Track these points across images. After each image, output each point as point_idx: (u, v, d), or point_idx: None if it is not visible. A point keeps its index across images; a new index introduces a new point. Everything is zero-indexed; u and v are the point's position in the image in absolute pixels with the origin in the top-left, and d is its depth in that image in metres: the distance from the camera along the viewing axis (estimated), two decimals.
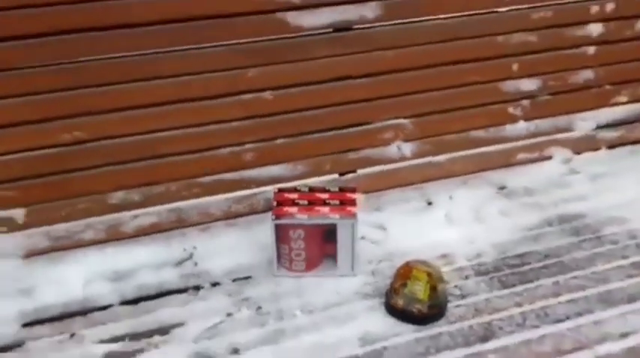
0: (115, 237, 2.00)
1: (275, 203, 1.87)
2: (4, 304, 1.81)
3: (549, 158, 2.41)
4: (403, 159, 2.25)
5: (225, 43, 1.93)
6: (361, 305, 1.82)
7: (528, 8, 2.19)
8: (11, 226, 1.92)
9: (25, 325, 1.78)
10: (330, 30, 2.02)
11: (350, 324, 1.75)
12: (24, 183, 1.92)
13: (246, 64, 1.96)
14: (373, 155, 2.22)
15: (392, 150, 2.23)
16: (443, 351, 1.67)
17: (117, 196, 1.99)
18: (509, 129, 2.35)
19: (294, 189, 1.91)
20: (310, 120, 2.10)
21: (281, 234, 1.85)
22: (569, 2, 2.21)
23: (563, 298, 1.83)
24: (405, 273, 1.78)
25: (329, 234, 1.86)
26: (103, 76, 1.87)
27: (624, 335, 1.71)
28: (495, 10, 2.18)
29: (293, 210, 1.83)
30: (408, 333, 1.72)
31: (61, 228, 1.96)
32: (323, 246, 1.90)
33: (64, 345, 1.72)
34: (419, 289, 1.74)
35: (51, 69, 1.81)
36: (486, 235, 2.09)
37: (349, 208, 1.84)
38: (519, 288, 1.87)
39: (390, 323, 1.75)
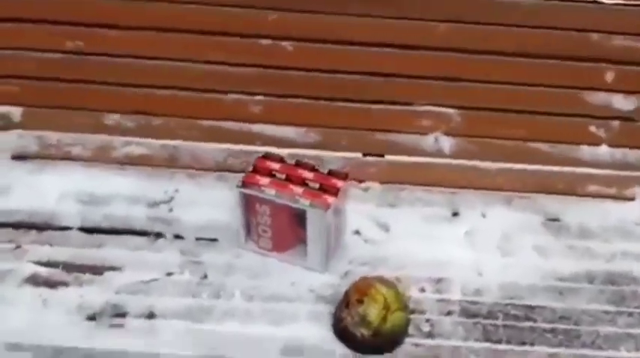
0: (102, 158, 1.91)
1: (251, 168, 1.64)
2: None
3: (630, 199, 1.92)
4: (439, 154, 1.90)
5: None
6: (309, 308, 1.57)
7: None
8: (7, 123, 1.90)
9: None
10: None
11: (284, 326, 1.52)
12: (27, 82, 1.87)
13: (267, 5, 1.71)
14: (404, 141, 1.90)
15: (428, 141, 1.89)
16: None
17: (112, 118, 1.89)
18: (586, 151, 1.89)
19: (280, 159, 1.67)
20: (334, 84, 1.82)
21: (248, 205, 1.64)
22: None
23: None
24: (362, 289, 1.49)
25: (300, 217, 1.60)
26: None
27: None
28: (598, 0, 1.71)
29: (264, 181, 1.60)
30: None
31: (53, 136, 1.91)
32: (296, 230, 1.65)
33: (3, 255, 1.66)
34: (371, 311, 1.46)
35: None
36: (502, 271, 1.71)
37: (326, 197, 1.57)
38: (503, 347, 1.51)
39: (327, 339, 1.50)
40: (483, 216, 1.87)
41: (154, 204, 1.83)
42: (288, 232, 1.67)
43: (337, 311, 1.52)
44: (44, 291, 1.56)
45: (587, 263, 1.76)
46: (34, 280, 1.59)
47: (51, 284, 1.59)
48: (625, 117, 1.84)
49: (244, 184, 1.61)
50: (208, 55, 1.80)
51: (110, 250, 1.70)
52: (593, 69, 1.79)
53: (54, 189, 1.84)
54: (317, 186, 1.60)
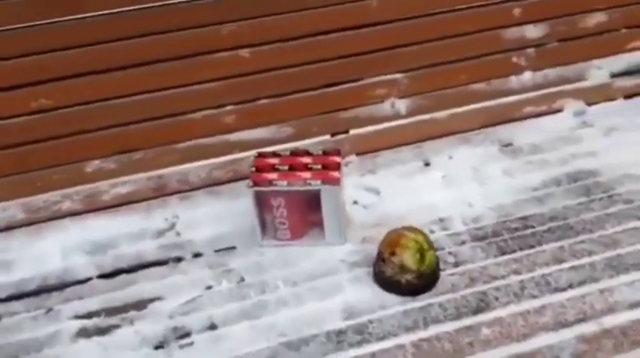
0: (92, 207, 1.92)
1: (254, 168, 1.75)
2: None
3: (559, 111, 2.24)
4: (398, 117, 2.11)
5: None
6: (348, 275, 1.71)
7: None
8: None
9: (1, 300, 1.72)
10: None
11: (334, 296, 1.65)
12: None
13: (218, 21, 1.82)
14: (365, 114, 2.08)
15: (385, 107, 2.09)
16: (432, 324, 1.56)
17: (92, 165, 1.91)
18: (514, 80, 2.18)
19: (275, 154, 1.79)
20: (294, 78, 1.97)
21: (262, 202, 1.74)
22: None
23: (566, 265, 1.70)
24: (393, 241, 1.66)
25: (313, 199, 1.73)
26: (67, 39, 1.75)
27: (634, 306, 1.56)
28: None
29: (272, 176, 1.71)
30: (395, 305, 1.61)
31: (37, 199, 1.90)
32: (309, 214, 1.78)
33: (38, 321, 1.65)
34: (407, 258, 1.62)
35: (13, 33, 1.70)
36: (487, 197, 1.94)
37: (332, 173, 1.72)
38: (519, 255, 1.74)
39: (377, 294, 1.65)
40: (450, 158, 2.10)
41: (159, 234, 1.88)
42: (302, 219, 1.79)
43: (375, 268, 1.68)
44: (100, 339, 1.58)
45: (548, 171, 2.03)
46: (85, 333, 1.60)
47: (103, 330, 1.60)
48: (538, 44, 2.15)
49: (256, 183, 1.71)
50: (169, 81, 1.87)
51: (140, 286, 1.73)
52: (503, 8, 2.07)
53: (56, 249, 1.84)
54: (319, 166, 1.74)
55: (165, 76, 1.87)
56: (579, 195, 1.93)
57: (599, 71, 2.25)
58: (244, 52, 1.89)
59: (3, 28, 1.68)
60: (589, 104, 2.25)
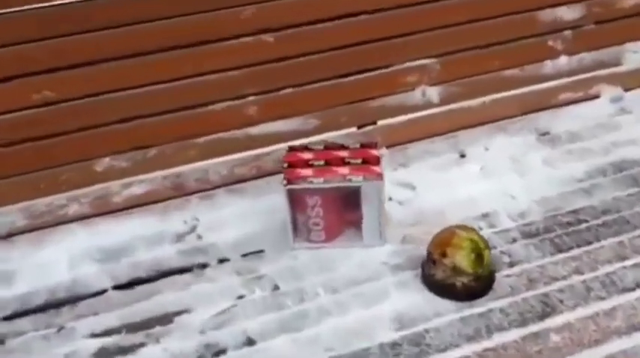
0: (103, 210, 1.75)
1: (286, 164, 1.58)
2: None
3: (596, 97, 2.11)
4: (430, 105, 1.96)
5: None
6: (392, 280, 1.56)
7: None
8: None
9: (6, 318, 1.53)
10: None
11: (381, 303, 1.50)
12: None
13: (237, 3, 1.64)
14: (395, 102, 1.93)
15: (416, 95, 1.94)
16: (496, 332, 1.42)
17: (103, 163, 1.72)
18: (550, 65, 2.05)
19: (307, 148, 1.63)
20: (320, 65, 1.80)
21: (295, 201, 1.58)
22: None
23: (630, 261, 1.57)
24: (444, 241, 1.51)
25: (351, 197, 1.58)
26: (72, 24, 1.56)
27: None
28: None
29: (307, 172, 1.55)
30: (451, 312, 1.47)
31: (41, 203, 1.70)
32: (345, 214, 1.63)
33: (50, 342, 1.47)
34: (461, 259, 1.48)
35: (12, 16, 1.50)
36: (530, 190, 1.82)
37: (373, 168, 1.56)
38: (577, 252, 1.61)
39: (428, 300, 1.50)
40: (486, 149, 1.96)
41: (179, 238, 1.71)
42: (339, 218, 1.64)
43: (424, 270, 1.53)
44: None
45: (591, 161, 1.91)
46: (106, 352, 1.43)
47: (126, 350, 1.43)
48: (574, 26, 2.01)
49: (290, 181, 1.55)
50: (186, 70, 1.69)
51: (163, 297, 1.56)
52: None
53: (63, 258, 1.66)
54: (359, 161, 1.58)
55: (182, 65, 1.69)
56: (628, 186, 1.81)
57: (634, 55, 2.12)
58: (267, 37, 1.71)
59: (4, 11, 1.48)
60: (626, 90, 2.12)
